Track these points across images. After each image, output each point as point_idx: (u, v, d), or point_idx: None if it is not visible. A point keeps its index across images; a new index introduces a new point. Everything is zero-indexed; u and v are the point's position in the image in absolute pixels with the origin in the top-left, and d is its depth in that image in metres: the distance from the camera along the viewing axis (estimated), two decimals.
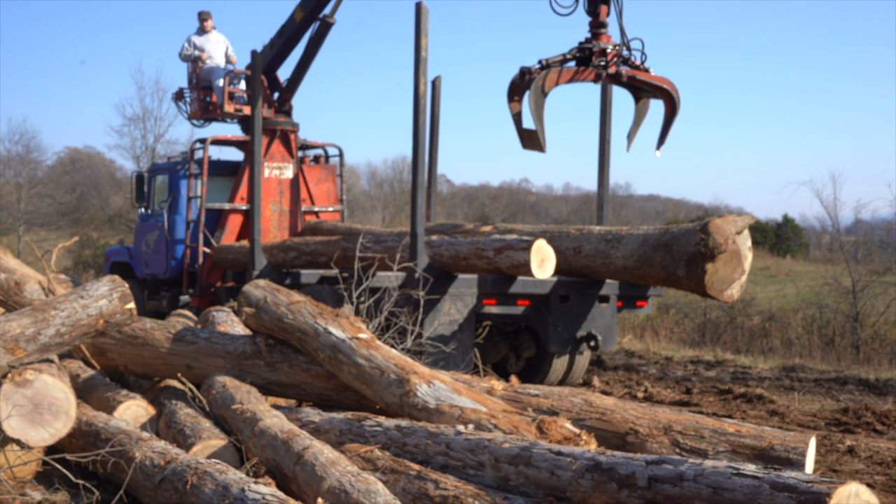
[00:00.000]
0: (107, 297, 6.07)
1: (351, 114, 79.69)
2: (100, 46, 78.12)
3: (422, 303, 8.61)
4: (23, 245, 40.73)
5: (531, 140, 9.10)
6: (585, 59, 9.12)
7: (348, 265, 9.98)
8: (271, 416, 5.97)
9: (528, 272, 8.79)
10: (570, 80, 9.00)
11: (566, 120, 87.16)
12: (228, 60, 14.00)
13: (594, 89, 11.52)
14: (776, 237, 45.12)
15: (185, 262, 13.55)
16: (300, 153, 14.35)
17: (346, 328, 6.54)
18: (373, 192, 58.26)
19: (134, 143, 45.95)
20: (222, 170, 14.01)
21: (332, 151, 14.83)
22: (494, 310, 9.47)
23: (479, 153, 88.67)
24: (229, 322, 8.69)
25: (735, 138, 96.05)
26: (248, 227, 13.07)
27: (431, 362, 8.07)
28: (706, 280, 7.79)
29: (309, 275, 11.17)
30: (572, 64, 9.16)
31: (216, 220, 13.64)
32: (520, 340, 10.81)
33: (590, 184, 64.70)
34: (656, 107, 9.58)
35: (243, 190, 13.58)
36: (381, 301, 8.55)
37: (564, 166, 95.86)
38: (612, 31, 9.25)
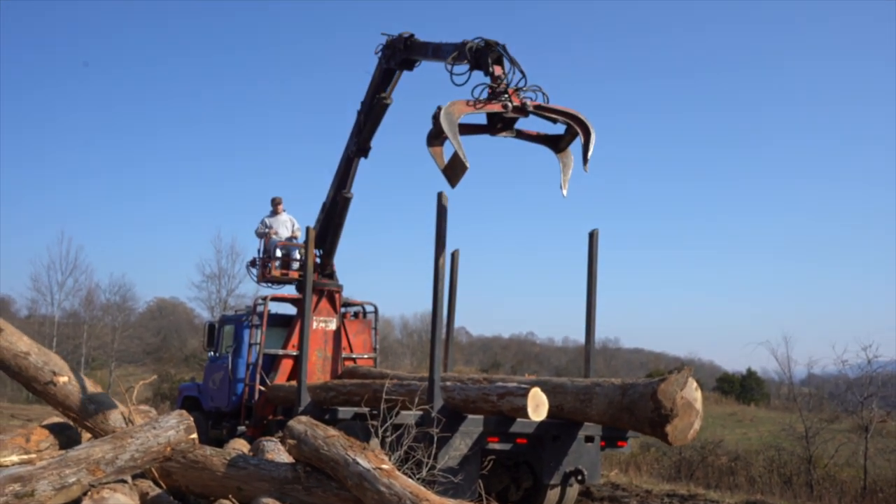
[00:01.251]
0: (175, 428, 6.11)
1: (389, 272, 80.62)
2: (189, 218, 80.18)
3: (436, 439, 8.54)
4: (113, 379, 40.74)
5: (454, 171, 8.37)
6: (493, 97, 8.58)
7: (377, 404, 9.94)
8: None
9: (526, 415, 8.74)
10: (480, 110, 8.55)
11: (565, 272, 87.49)
12: (293, 235, 14.50)
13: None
14: (741, 387, 44.45)
15: (244, 397, 13.54)
16: (343, 309, 14.51)
17: (371, 459, 6.50)
18: (404, 340, 58.25)
19: (210, 296, 46.49)
20: (278, 322, 14.16)
21: (370, 308, 14.98)
22: (497, 446, 9.35)
23: (493, 307, 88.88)
24: (276, 451, 8.62)
25: (704, 299, 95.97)
26: (297, 370, 13.05)
27: (442, 491, 7.95)
28: (669, 437, 7.68)
29: (345, 412, 11.07)
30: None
31: (271, 363, 13.70)
32: (519, 473, 10.60)
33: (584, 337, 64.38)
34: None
35: (295, 339, 13.67)
36: (401, 436, 8.48)
37: (564, 320, 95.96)
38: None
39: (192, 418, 6.32)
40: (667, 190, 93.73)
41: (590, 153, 8.58)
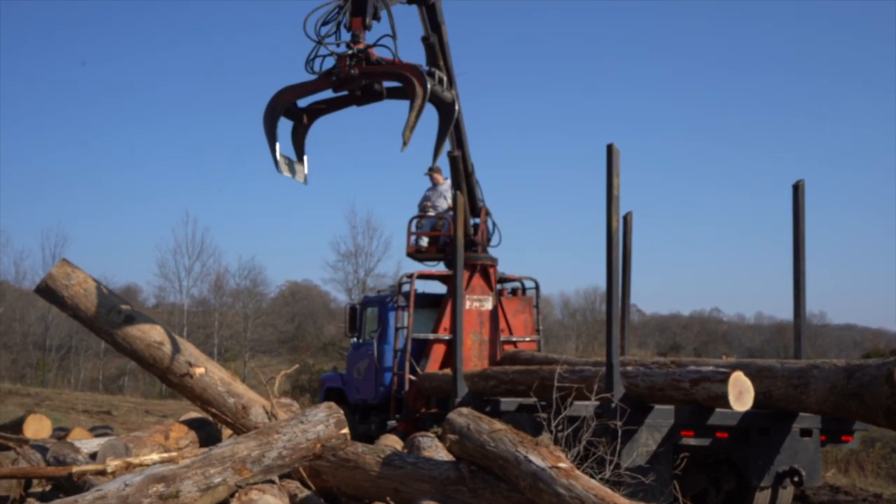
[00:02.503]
0: (324, 422, 6.22)
1: (546, 246, 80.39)
2: (321, 191, 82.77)
3: (619, 433, 8.36)
4: (248, 370, 42.72)
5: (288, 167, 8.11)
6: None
7: (546, 394, 9.85)
8: None
9: (726, 404, 8.41)
10: (307, 94, 8.05)
11: (758, 246, 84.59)
12: (451, 208, 14.54)
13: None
14: None
15: (393, 388, 13.77)
16: (499, 286, 14.48)
17: (546, 457, 6.40)
18: (566, 321, 58.04)
19: (346, 277, 47.89)
20: (427, 302, 14.29)
21: (529, 284, 14.90)
22: (692, 441, 9.06)
23: (669, 282, 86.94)
24: (434, 447, 8.70)
25: None
26: (450, 356, 13.12)
27: (630, 494, 7.77)
28: None
29: (508, 403, 11.10)
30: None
31: (421, 349, 13.86)
32: (719, 473, 10.26)
33: (782, 313, 61.98)
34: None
35: (446, 321, 13.76)
36: (578, 430, 8.35)
37: (757, 295, 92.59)
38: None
39: (342, 411, 6.43)
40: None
41: (410, 124, 7.46)
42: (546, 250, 76.44)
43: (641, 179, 72.78)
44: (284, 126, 8.29)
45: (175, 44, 77.62)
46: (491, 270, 14.15)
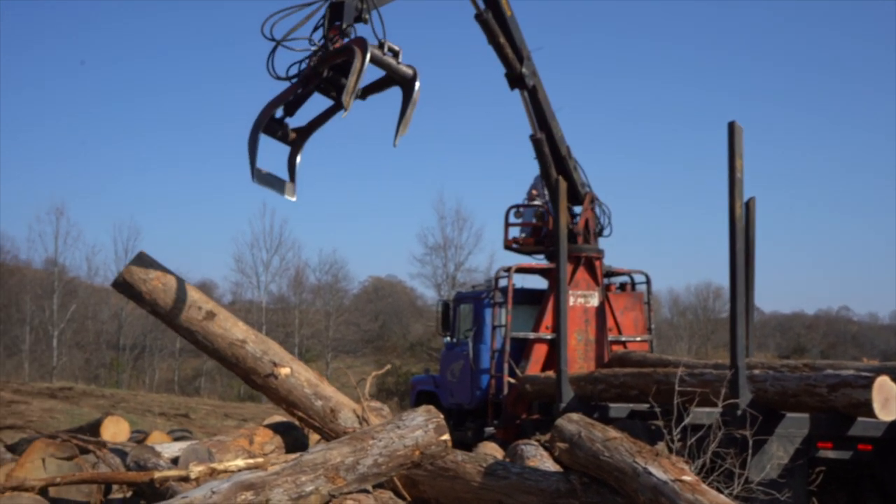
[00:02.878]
0: (422, 427, 6.18)
1: (653, 239, 79.35)
2: (407, 180, 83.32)
3: (750, 443, 8.11)
4: (331, 371, 43.28)
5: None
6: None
7: (661, 400, 9.66)
8: None
9: (870, 412, 8.09)
10: (283, 101, 8.26)
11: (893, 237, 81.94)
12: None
13: None
14: None
15: (490, 392, 13.73)
16: (605, 280, 14.30)
17: (668, 469, 6.25)
18: (675, 320, 57.26)
19: (435, 272, 48.04)
20: (527, 298, 14.20)
21: (639, 278, 14.70)
22: (830, 454, 8.78)
23: (791, 277, 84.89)
24: (538, 457, 8.62)
25: None
26: (553, 358, 13.04)
27: None
28: None
29: (618, 409, 10.97)
30: None
31: (521, 349, 13.77)
32: (861, 490, 9.90)
33: None
34: None
35: (548, 319, 13.65)
36: (702, 440, 8.14)
37: (893, 292, 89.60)
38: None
39: (441, 416, 6.38)
40: None
41: (350, 89, 7.73)
42: (653, 243, 75.47)
43: (755, 159, 71.30)
44: (282, 150, 8.61)
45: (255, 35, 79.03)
46: (597, 263, 13.98)
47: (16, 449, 10.53)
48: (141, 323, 49.97)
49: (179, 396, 34.22)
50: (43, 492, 6.48)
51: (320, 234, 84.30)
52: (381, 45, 8.10)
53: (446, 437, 6.31)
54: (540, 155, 13.39)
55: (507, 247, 14.58)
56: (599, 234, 14.12)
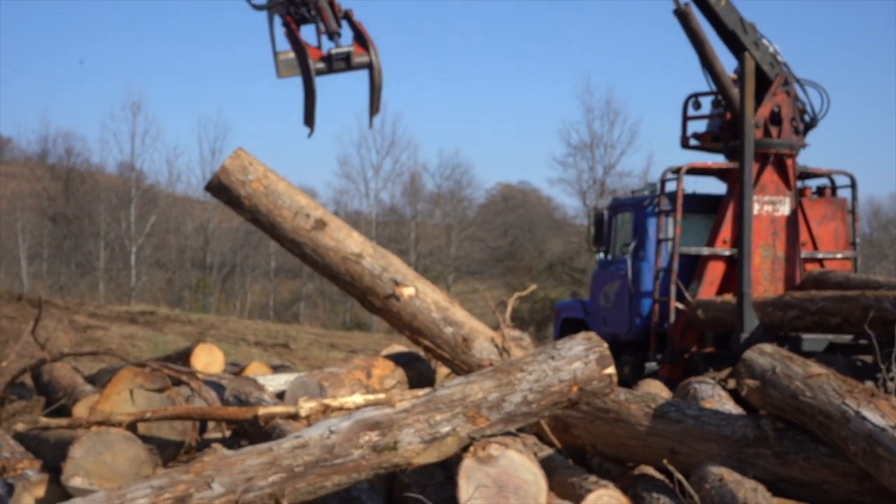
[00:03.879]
0: (582, 358, 6.14)
1: (850, 135, 76.86)
2: (544, 65, 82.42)
3: None
4: (452, 296, 43.68)
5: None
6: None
7: (871, 330, 9.44)
8: None
9: None
10: None
11: None
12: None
13: None
14: None
15: (654, 320, 13.61)
16: (799, 183, 13.92)
17: (887, 413, 6.17)
18: (875, 235, 55.89)
19: (579, 176, 47.72)
20: (700, 206, 13.95)
21: (841, 181, 14.28)
22: None
23: None
24: (716, 398, 8.57)
25: None
26: (731, 278, 12.91)
27: None
28: None
29: (814, 341, 10.83)
30: None
31: (691, 268, 13.58)
32: None
33: None
34: None
35: (726, 230, 13.41)
36: None
37: None
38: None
39: (605, 345, 6.32)
40: None
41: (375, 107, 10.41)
42: (850, 140, 73.23)
43: None
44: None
45: None
46: (788, 162, 13.60)
47: (96, 380, 10.97)
48: (230, 238, 51.35)
49: (276, 323, 35.12)
50: (131, 427, 6.68)
51: (441, 132, 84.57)
52: (328, 58, 10.28)
53: (611, 370, 6.26)
54: (689, 33, 12.96)
55: (685, 144, 14.31)
56: (799, 126, 13.66)
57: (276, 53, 10.39)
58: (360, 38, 10.35)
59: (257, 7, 10.25)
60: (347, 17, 10.41)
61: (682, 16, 12.88)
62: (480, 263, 56.17)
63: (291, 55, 10.00)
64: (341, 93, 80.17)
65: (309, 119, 10.65)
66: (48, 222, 55.11)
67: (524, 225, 59.74)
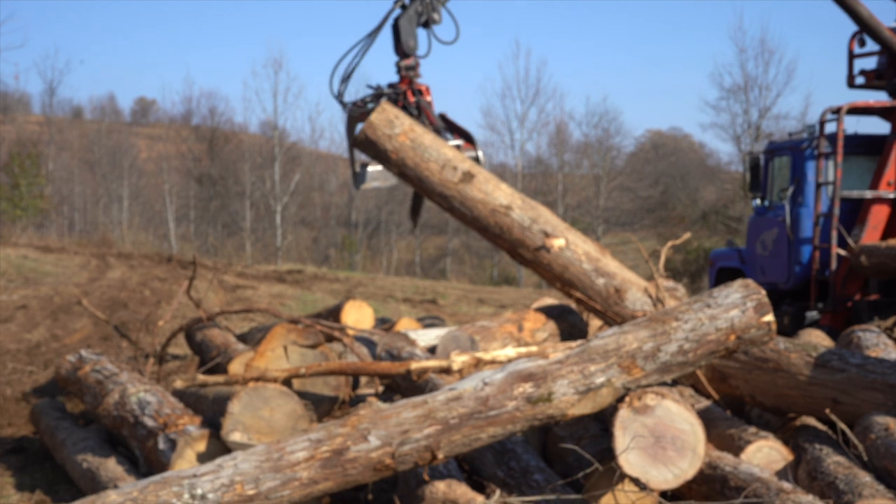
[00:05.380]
0: (739, 306, 6.13)
1: None
2: (694, 3, 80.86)
3: None
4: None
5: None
6: None
7: None
8: None
9: None
10: None
11: None
12: None
13: None
14: None
15: (814, 267, 13.40)
16: None
17: None
18: None
19: (733, 120, 46.85)
20: (862, 147, 13.63)
21: None
22: None
23: None
24: (881, 346, 8.48)
25: None
26: None
27: None
28: None
29: None
30: None
31: (853, 212, 13.31)
32: None
33: None
34: None
35: (891, 172, 13.09)
36: None
37: None
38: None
39: (763, 292, 6.30)
40: None
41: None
42: None
43: None
44: None
45: None
46: None
47: (247, 339, 11.36)
48: (374, 195, 51.88)
49: (423, 280, 35.54)
50: (286, 383, 6.92)
51: (587, 79, 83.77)
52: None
53: (769, 318, 6.23)
54: None
55: (851, 84, 13.96)
56: None
57: (359, 162, 10.49)
58: (464, 135, 10.45)
59: (359, 110, 10.42)
60: (443, 117, 10.51)
61: None
62: (630, 214, 55.71)
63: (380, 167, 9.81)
64: (481, 43, 79.93)
65: (415, 215, 11.09)
66: (194, 183, 56.62)
67: (676, 173, 58.96)
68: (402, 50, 10.41)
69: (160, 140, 62.41)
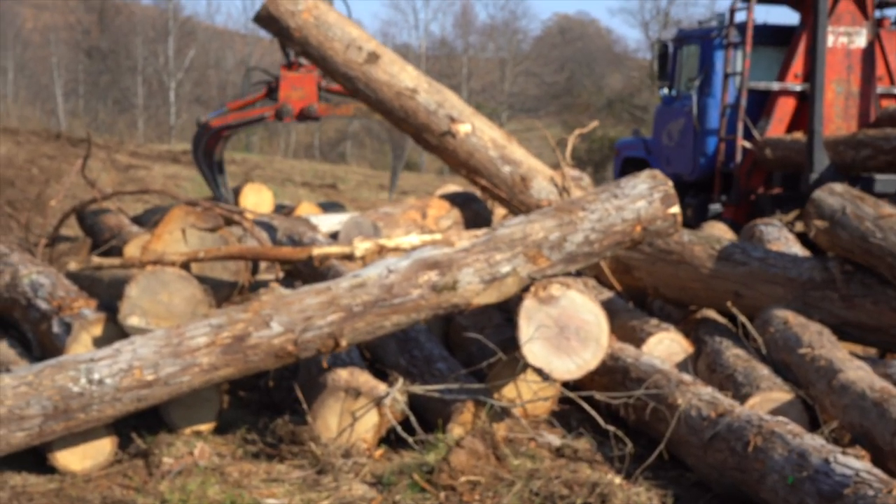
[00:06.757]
0: (646, 197, 6.23)
1: None
2: None
3: None
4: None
5: None
6: None
7: None
8: (854, 368, 5.86)
9: None
10: None
11: None
12: None
13: None
14: None
15: (719, 159, 13.59)
16: (877, 13, 13.66)
17: None
18: None
19: (642, 6, 47.10)
20: (771, 38, 13.75)
21: None
22: None
23: None
24: (783, 240, 8.66)
25: None
26: (802, 115, 12.74)
27: None
28: None
29: (888, 181, 10.80)
30: None
31: (760, 104, 13.47)
32: None
33: None
34: None
35: (798, 65, 13.24)
36: None
37: None
38: None
39: (670, 183, 6.40)
40: None
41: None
42: None
43: None
44: None
45: None
46: None
47: (141, 221, 11.22)
48: (274, 73, 51.19)
49: (322, 164, 35.36)
50: (184, 267, 6.87)
51: None
52: None
53: (675, 209, 6.34)
54: None
55: None
56: None
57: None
58: None
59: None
60: None
61: None
62: (535, 100, 55.73)
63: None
64: None
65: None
66: (83, 57, 55.22)
67: (582, 59, 59.00)
68: None
69: (46, 9, 60.48)
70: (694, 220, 13.52)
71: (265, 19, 8.36)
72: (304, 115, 11.46)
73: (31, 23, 61.26)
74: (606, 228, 6.09)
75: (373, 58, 8.34)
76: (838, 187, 7.20)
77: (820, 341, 6.35)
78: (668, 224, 6.35)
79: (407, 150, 11.26)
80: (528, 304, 5.76)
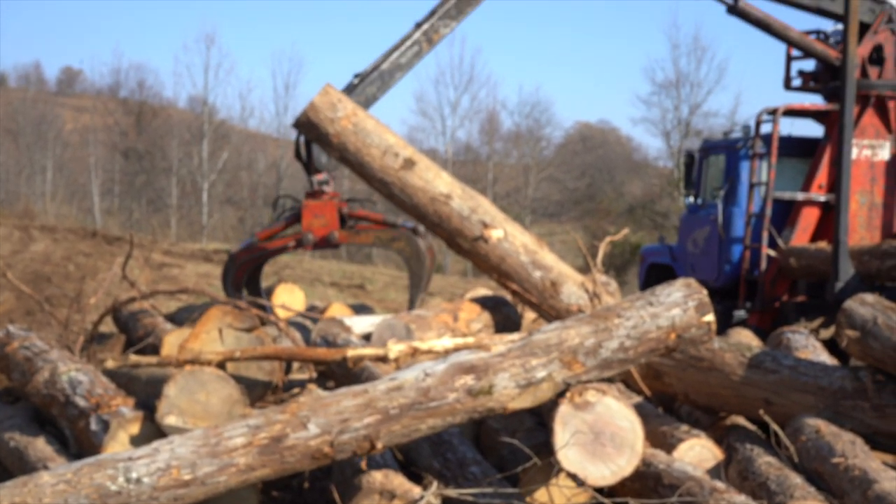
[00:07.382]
0: (680, 305, 6.18)
1: None
2: None
3: None
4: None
5: None
6: None
7: None
8: (890, 479, 5.75)
9: None
10: None
11: None
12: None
13: None
14: None
15: (744, 267, 13.57)
16: None
17: None
18: None
19: (664, 116, 47.25)
20: (795, 149, 13.82)
21: None
22: None
23: None
24: (810, 347, 8.56)
25: None
26: (826, 225, 12.79)
27: None
28: None
29: None
30: None
31: (785, 213, 13.49)
32: None
33: None
34: None
35: (822, 175, 13.28)
36: None
37: None
38: None
39: (705, 291, 6.36)
40: None
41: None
42: None
43: None
44: None
45: None
46: (890, 104, 13.40)
47: (176, 319, 11.21)
48: (303, 176, 51.45)
49: (350, 264, 35.45)
50: (220, 367, 6.83)
51: (520, 69, 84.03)
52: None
53: (710, 317, 6.30)
54: (753, 23, 13.07)
55: (788, 85, 14.15)
56: None
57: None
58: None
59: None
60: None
61: (739, 13, 12.99)
62: (558, 205, 55.96)
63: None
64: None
65: None
66: (120, 157, 55.83)
67: (603, 166, 59.37)
68: (315, 168, 11.32)
69: (86, 111, 61.43)
70: (719, 326, 13.42)
71: (305, 125, 8.43)
72: (324, 243, 11.53)
73: (70, 124, 62.21)
74: (641, 335, 6.03)
75: (409, 164, 8.39)
76: (869, 297, 7.13)
77: (853, 451, 6.23)
78: (703, 332, 6.30)
79: (425, 279, 11.31)
80: (564, 409, 5.69)
